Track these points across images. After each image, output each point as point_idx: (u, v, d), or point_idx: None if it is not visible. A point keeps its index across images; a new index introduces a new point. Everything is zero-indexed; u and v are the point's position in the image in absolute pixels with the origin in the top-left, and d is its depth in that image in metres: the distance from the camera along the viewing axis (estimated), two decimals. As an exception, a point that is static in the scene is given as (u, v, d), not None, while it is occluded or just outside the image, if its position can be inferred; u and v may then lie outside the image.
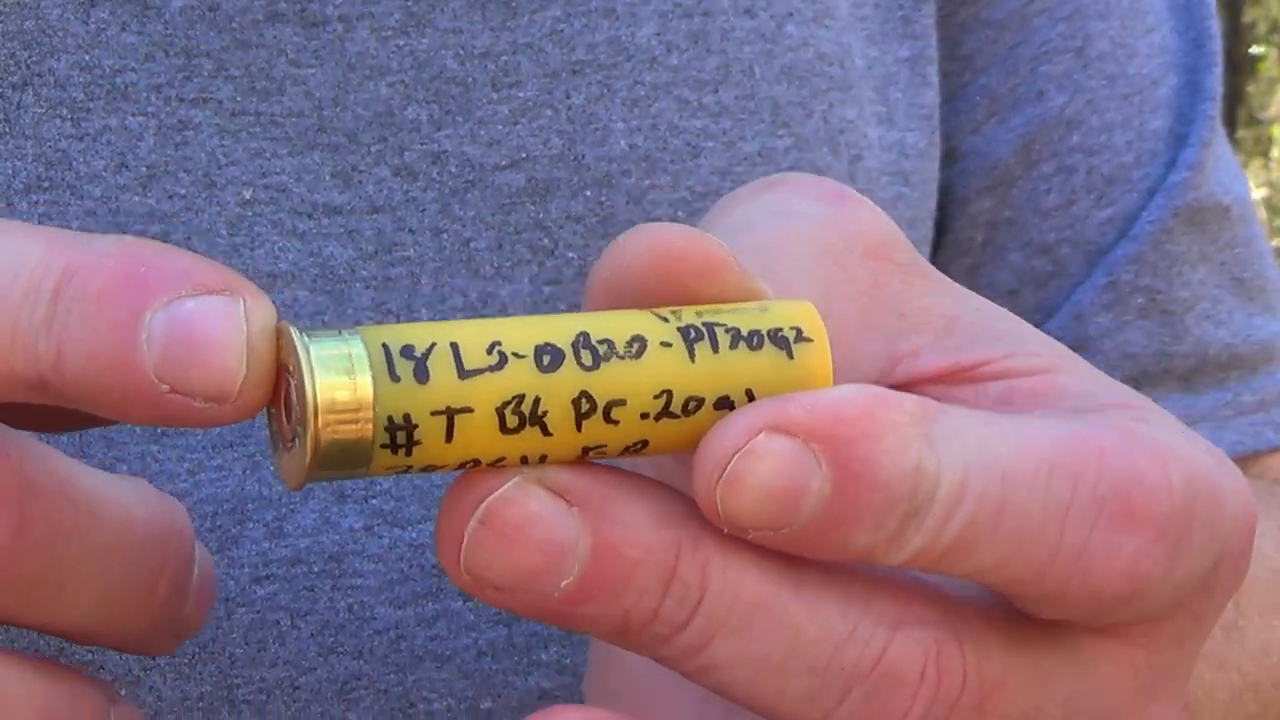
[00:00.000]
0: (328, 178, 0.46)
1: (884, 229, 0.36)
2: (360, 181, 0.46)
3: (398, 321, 0.46)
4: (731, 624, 0.31)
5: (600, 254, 0.48)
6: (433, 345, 0.30)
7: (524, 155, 0.48)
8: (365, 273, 0.46)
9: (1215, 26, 0.62)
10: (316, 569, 0.45)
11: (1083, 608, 0.32)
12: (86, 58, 0.44)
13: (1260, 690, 0.52)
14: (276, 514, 0.45)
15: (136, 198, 0.45)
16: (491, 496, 0.31)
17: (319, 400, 0.29)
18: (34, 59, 0.44)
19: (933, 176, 0.56)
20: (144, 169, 0.45)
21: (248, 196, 0.45)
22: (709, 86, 0.50)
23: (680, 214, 0.49)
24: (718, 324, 0.31)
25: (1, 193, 0.44)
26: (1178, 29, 0.60)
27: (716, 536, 0.31)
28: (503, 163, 0.48)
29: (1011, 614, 0.33)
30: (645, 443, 0.31)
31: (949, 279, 0.37)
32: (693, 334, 0.31)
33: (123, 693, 0.43)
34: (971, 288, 0.60)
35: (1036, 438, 0.32)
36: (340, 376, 0.30)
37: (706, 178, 0.50)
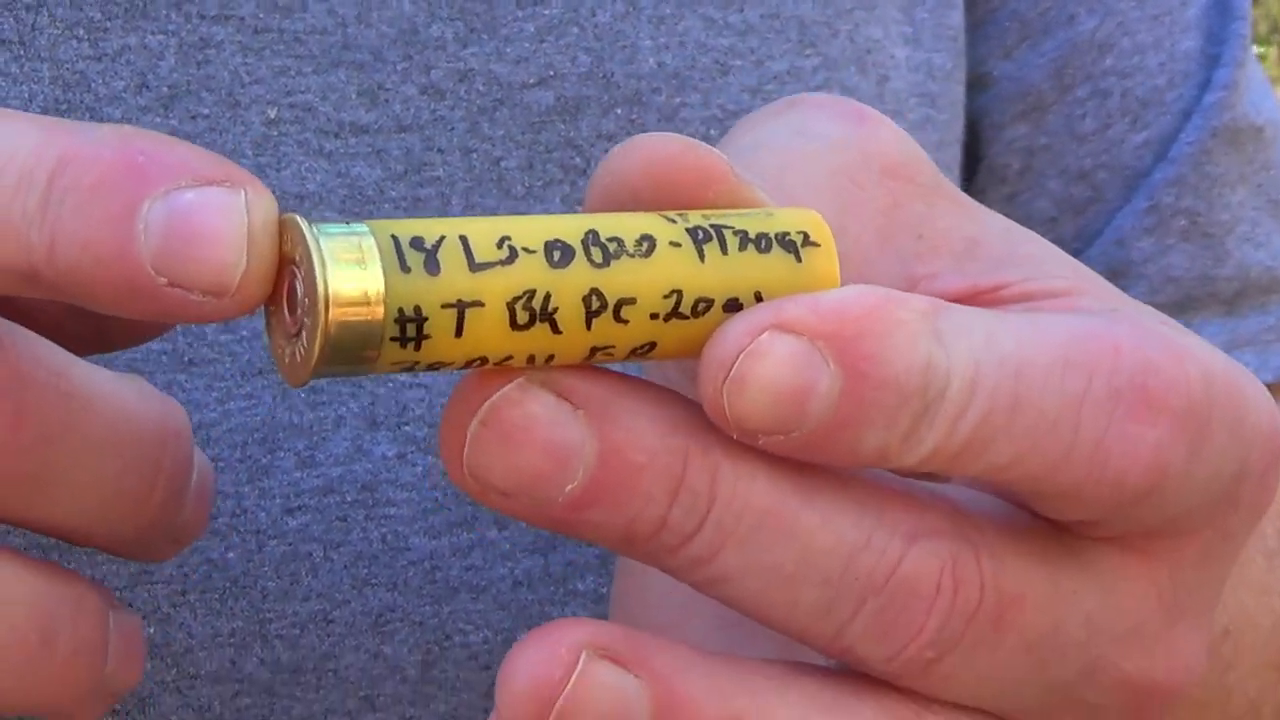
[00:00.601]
0: (354, 96, 0.45)
1: (904, 149, 0.35)
2: (387, 100, 0.45)
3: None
4: (741, 533, 0.30)
5: None
6: (442, 238, 0.29)
7: (552, 73, 0.47)
8: (394, 193, 0.45)
9: None
10: (349, 499, 0.44)
11: (1102, 504, 0.31)
12: None
13: None
14: (308, 443, 0.44)
15: (158, 119, 0.43)
16: (494, 396, 0.30)
17: (330, 290, 0.28)
18: None
19: (959, 99, 0.56)
20: (165, 89, 0.44)
21: (272, 116, 0.44)
22: (734, 5, 0.49)
23: (713, 132, 0.48)
24: (725, 226, 0.31)
25: None
26: None
27: (726, 444, 0.30)
28: (531, 81, 0.46)
29: (1032, 528, 0.33)
30: (653, 344, 0.31)
31: (972, 200, 0.36)
32: (701, 235, 0.31)
33: (151, 630, 0.42)
34: (1009, 216, 0.59)
35: (1050, 332, 0.31)
36: (351, 267, 0.29)
37: (737, 95, 0.49)
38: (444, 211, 0.45)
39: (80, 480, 0.32)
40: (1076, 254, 0.57)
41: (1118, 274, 0.57)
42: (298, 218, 0.29)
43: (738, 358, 0.30)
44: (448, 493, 0.45)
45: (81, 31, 0.43)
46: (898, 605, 0.31)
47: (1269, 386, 0.57)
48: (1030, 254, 0.35)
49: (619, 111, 0.47)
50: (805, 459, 0.30)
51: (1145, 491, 0.31)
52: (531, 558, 0.45)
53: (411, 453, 0.44)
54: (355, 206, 0.45)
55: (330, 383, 0.44)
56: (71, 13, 0.43)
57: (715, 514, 0.30)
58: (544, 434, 0.30)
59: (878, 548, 0.31)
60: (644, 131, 0.47)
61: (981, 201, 0.59)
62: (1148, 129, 0.57)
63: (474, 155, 0.46)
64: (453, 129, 0.46)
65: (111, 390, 0.33)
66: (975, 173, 0.58)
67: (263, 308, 0.30)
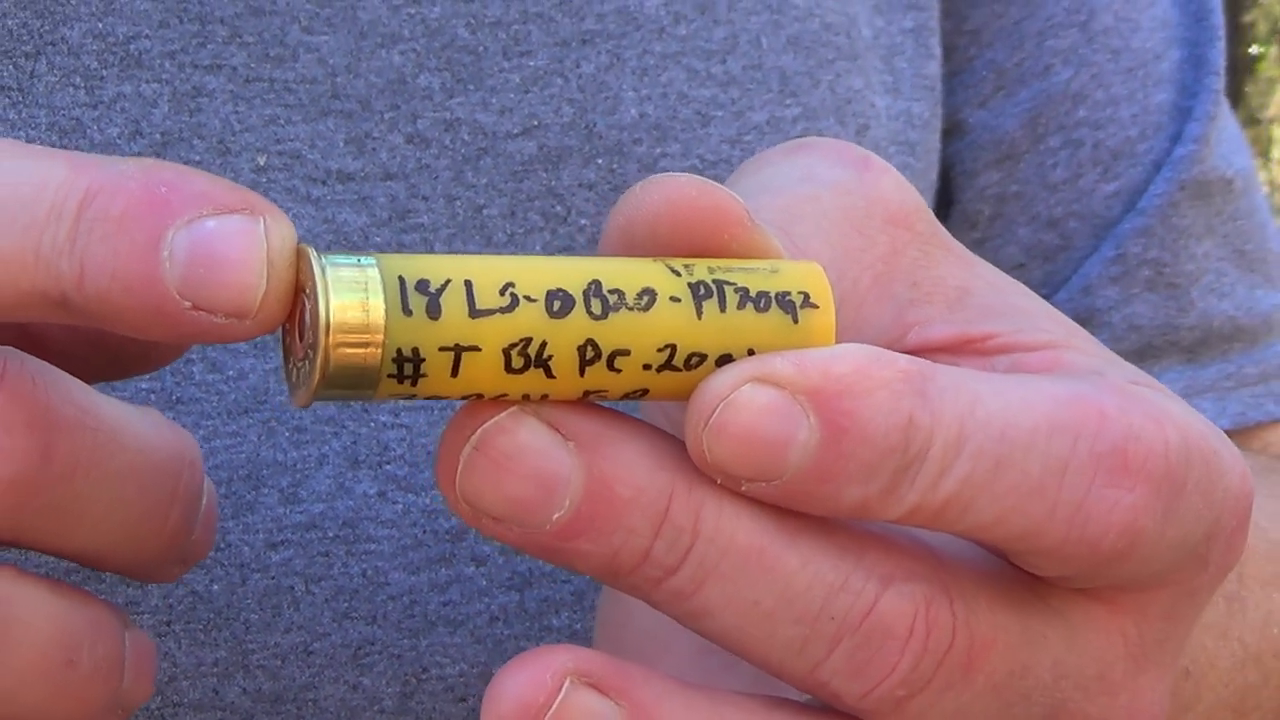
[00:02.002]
0: (341, 144, 0.46)
1: (906, 197, 0.36)
2: (374, 148, 0.47)
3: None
4: (723, 570, 0.32)
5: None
6: (447, 282, 0.30)
7: (536, 123, 0.48)
8: (379, 239, 0.46)
9: (1217, 1, 0.62)
10: (331, 534, 0.45)
11: (1079, 563, 0.33)
12: (100, 25, 0.45)
13: (1262, 660, 0.52)
14: (291, 480, 0.45)
15: None
16: (487, 424, 0.31)
17: (332, 321, 0.30)
18: (47, 27, 0.44)
19: (935, 147, 0.57)
20: (158, 136, 0.45)
21: (262, 163, 0.46)
22: (717, 56, 0.50)
23: None
24: (728, 282, 0.32)
25: None
26: (1178, 2, 0.61)
27: (711, 484, 0.32)
28: (515, 130, 0.48)
29: (1003, 574, 0.34)
30: (645, 390, 0.32)
31: (966, 250, 0.37)
32: (702, 291, 0.32)
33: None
34: None
35: (1036, 395, 0.32)
36: (354, 301, 0.30)
37: (717, 146, 0.50)
38: None
39: (104, 509, 0.33)
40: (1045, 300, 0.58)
41: (1083, 321, 0.58)
42: (309, 248, 0.31)
43: (718, 406, 0.31)
44: (427, 530, 0.46)
45: (78, 79, 0.44)
46: (872, 645, 0.32)
47: (1226, 432, 0.58)
48: (1020, 306, 0.36)
49: (600, 161, 0.48)
50: (788, 507, 0.32)
51: (1120, 553, 0.32)
52: (508, 594, 0.46)
53: (392, 490, 0.46)
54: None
55: (314, 422, 0.45)
56: (69, 61, 0.44)
57: (698, 550, 0.32)
58: (534, 462, 0.31)
59: (855, 589, 0.32)
60: (624, 182, 0.48)
61: None
62: (1118, 179, 0.59)
63: (458, 203, 0.47)
64: (437, 177, 0.47)
65: (131, 422, 0.34)
66: (946, 218, 0.59)
67: (280, 329, 0.31)
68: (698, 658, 0.38)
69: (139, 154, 0.45)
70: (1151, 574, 0.34)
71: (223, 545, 0.44)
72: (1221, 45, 0.61)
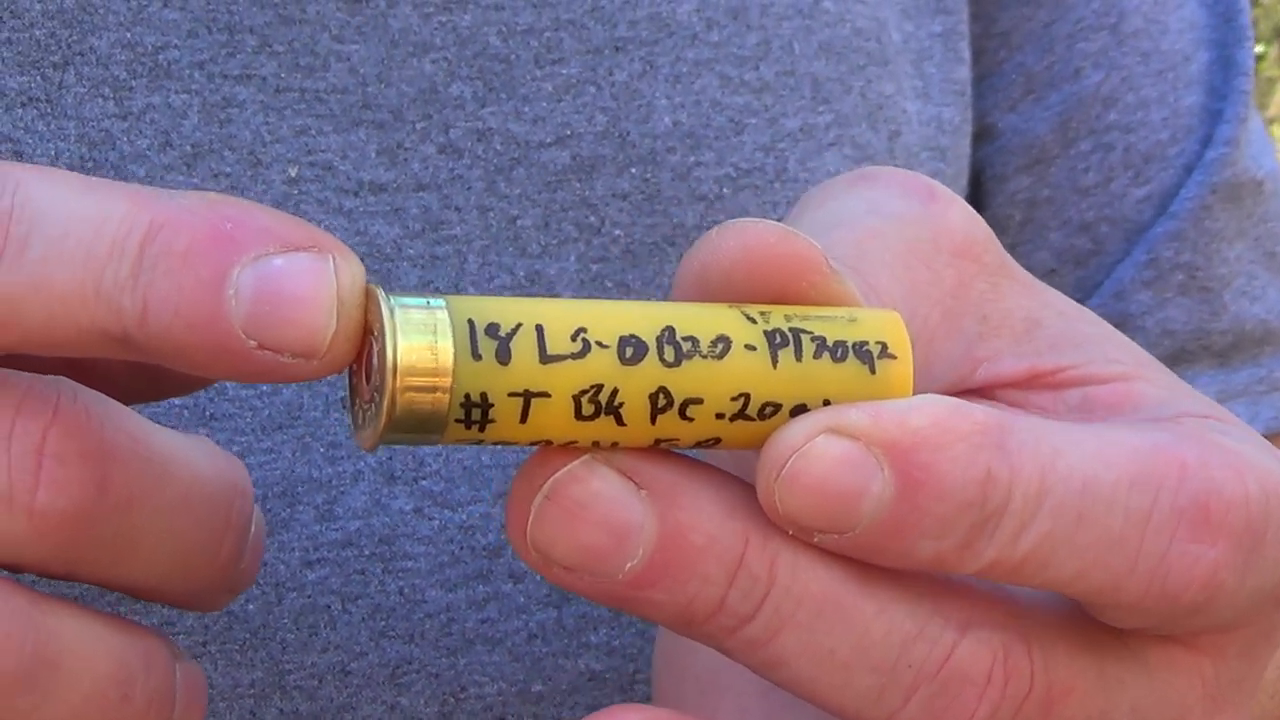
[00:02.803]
0: (373, 155, 0.46)
1: (972, 228, 0.36)
2: (405, 159, 0.46)
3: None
4: (799, 619, 0.31)
5: (646, 230, 0.48)
6: (518, 325, 0.30)
7: (569, 132, 0.47)
8: (412, 251, 0.46)
9: (1244, 2, 0.61)
10: (367, 552, 0.44)
11: (1158, 616, 0.32)
12: (129, 35, 0.44)
13: None
14: (326, 496, 0.44)
15: (181, 177, 0.44)
16: (559, 473, 0.31)
17: (400, 365, 0.29)
18: (75, 37, 0.44)
19: (965, 153, 0.56)
20: (189, 147, 0.44)
21: (293, 174, 0.45)
22: (749, 63, 0.50)
23: (725, 190, 0.49)
24: (804, 330, 0.31)
25: None
26: (1206, 4, 0.60)
27: (786, 533, 0.31)
28: (548, 140, 0.47)
29: (1080, 620, 0.33)
30: (718, 440, 0.31)
31: (1035, 279, 0.36)
32: (778, 339, 0.31)
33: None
34: None
35: (1116, 448, 0.32)
36: (423, 345, 0.29)
37: (751, 154, 0.49)
38: (461, 269, 0.46)
39: (157, 541, 0.33)
40: None
41: (1117, 326, 0.57)
42: (378, 290, 0.30)
43: (791, 457, 0.30)
44: (463, 546, 0.45)
45: (107, 90, 0.44)
46: (950, 693, 0.32)
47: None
48: (1090, 335, 0.36)
49: (634, 170, 0.48)
50: (862, 559, 0.31)
51: (1199, 606, 0.32)
52: (545, 611, 0.46)
53: (428, 507, 0.45)
54: (373, 264, 0.45)
55: (348, 437, 0.45)
56: (98, 71, 0.44)
57: (773, 598, 0.31)
58: (607, 511, 0.31)
59: (931, 637, 0.31)
60: (658, 190, 0.48)
61: None
62: (1149, 183, 0.58)
63: (491, 214, 0.47)
64: (470, 188, 0.46)
65: (184, 451, 0.34)
66: None
67: (348, 368, 0.31)
68: (761, 699, 0.37)
69: (169, 165, 0.44)
70: (1230, 620, 0.33)
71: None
72: (1250, 46, 0.61)
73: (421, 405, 0.29)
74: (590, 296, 0.47)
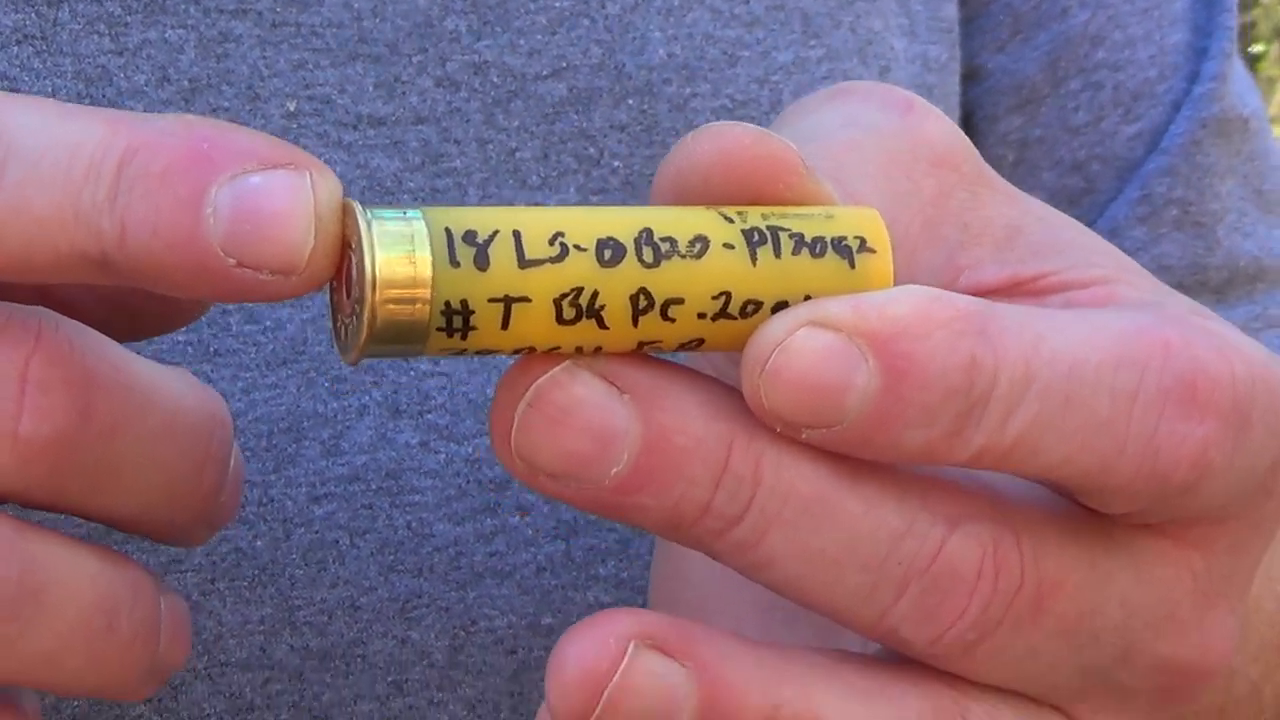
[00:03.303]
0: (371, 89, 0.45)
1: (950, 138, 0.36)
2: (403, 92, 0.46)
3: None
4: (786, 519, 0.31)
5: (645, 162, 0.48)
6: (495, 232, 0.30)
7: (564, 65, 0.47)
8: (412, 184, 0.46)
9: None
10: (374, 486, 0.44)
11: (1148, 498, 0.32)
12: None
13: None
14: (332, 431, 0.44)
15: (179, 112, 0.44)
16: (540, 379, 0.30)
17: (379, 277, 0.29)
18: None
19: (954, 91, 0.56)
20: (186, 82, 0.44)
21: (291, 109, 0.45)
22: None
23: (723, 120, 0.49)
24: (782, 228, 0.31)
25: None
26: None
27: (771, 432, 0.31)
28: (544, 72, 0.47)
29: (1070, 514, 0.33)
30: (701, 340, 0.31)
31: (1014, 187, 0.36)
32: (756, 237, 0.31)
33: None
34: None
35: (1100, 331, 0.32)
36: (401, 256, 0.29)
37: (745, 86, 0.49)
38: (461, 201, 0.46)
39: (140, 470, 0.33)
40: None
41: None
42: (354, 203, 0.30)
43: (773, 351, 0.30)
44: (470, 480, 0.45)
45: (103, 26, 0.43)
46: (941, 589, 0.31)
47: None
48: (1071, 241, 0.35)
49: (630, 102, 0.48)
50: (850, 454, 0.31)
51: (1189, 486, 0.32)
52: (554, 543, 0.46)
53: (434, 440, 0.45)
54: (374, 197, 0.45)
55: (353, 372, 0.44)
56: (93, 8, 0.43)
57: (759, 499, 0.31)
58: (590, 417, 0.30)
59: (920, 533, 0.31)
60: (655, 122, 0.48)
61: None
62: (1140, 120, 0.58)
63: (490, 146, 0.46)
64: (468, 120, 0.46)
65: (164, 382, 0.33)
66: None
67: (328, 286, 0.31)
68: (758, 613, 0.37)
69: (167, 101, 0.44)
70: (1219, 506, 0.33)
71: (265, 500, 0.43)
72: None
73: (402, 315, 0.29)
74: None
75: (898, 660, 0.33)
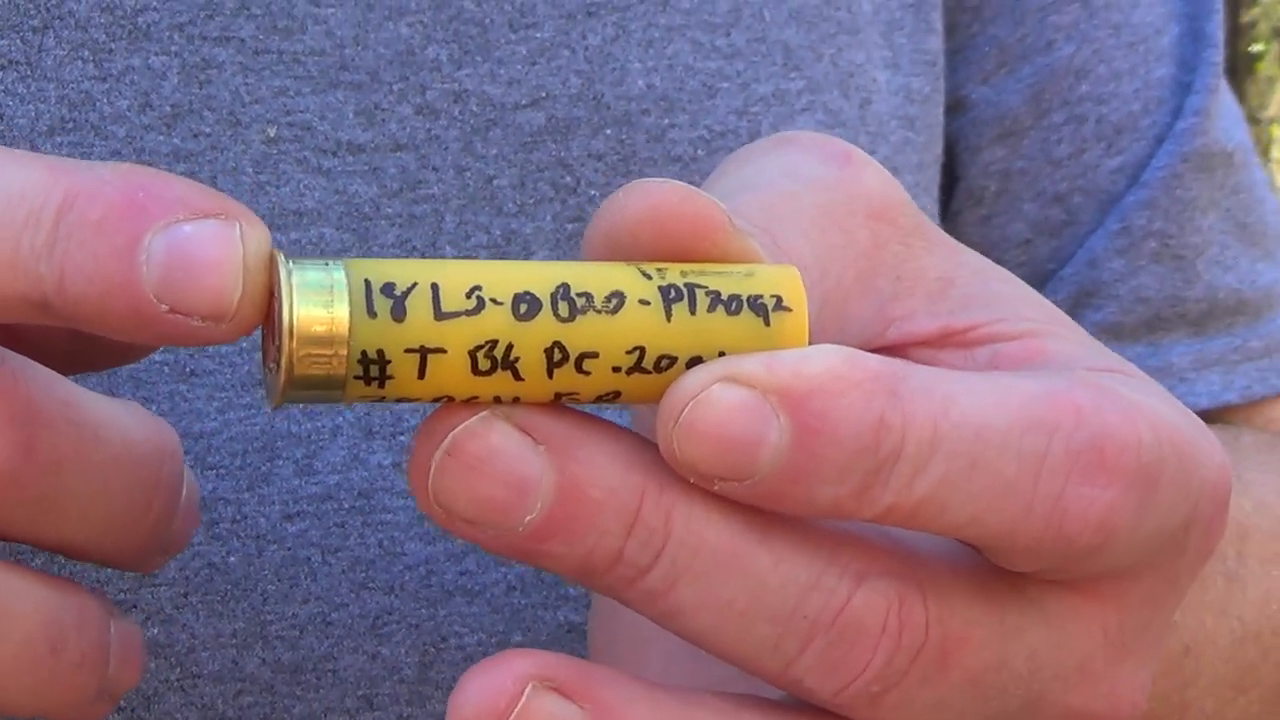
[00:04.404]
0: (351, 116, 0.46)
1: (888, 191, 0.36)
2: (383, 120, 0.47)
3: (421, 258, 0.47)
4: (695, 570, 0.32)
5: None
6: (413, 285, 0.31)
7: (544, 94, 0.48)
8: (390, 210, 0.46)
9: None
10: (346, 505, 0.45)
11: (1055, 558, 0.33)
12: None
13: (1261, 638, 0.52)
14: (306, 451, 0.45)
15: (161, 137, 0.45)
16: (458, 429, 0.31)
17: (297, 327, 0.30)
18: (54, 1, 0.44)
19: (937, 122, 0.57)
20: (168, 108, 0.45)
21: (272, 135, 0.46)
22: (721, 29, 0.51)
23: (700, 152, 0.50)
24: (699, 285, 0.32)
25: (26, 135, 0.44)
26: None
27: (683, 484, 0.32)
28: (523, 102, 0.48)
29: (977, 568, 0.34)
30: (617, 393, 0.32)
31: (950, 239, 0.37)
32: (673, 294, 0.32)
33: (154, 631, 0.44)
34: (985, 238, 0.60)
35: (1010, 394, 0.32)
36: (318, 308, 0.30)
37: (724, 117, 0.50)
38: (438, 228, 0.47)
39: (85, 502, 0.34)
40: (1051, 275, 0.59)
41: (1090, 294, 0.58)
42: (278, 253, 0.31)
43: (688, 404, 0.31)
44: None
45: (87, 53, 0.44)
46: (846, 642, 0.32)
47: (1234, 407, 0.59)
48: (1002, 294, 0.36)
49: (609, 132, 0.49)
50: (761, 507, 0.32)
51: (1095, 548, 0.33)
52: (524, 563, 0.46)
53: (406, 461, 0.46)
54: (352, 223, 0.46)
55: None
56: (77, 34, 0.44)
57: (670, 550, 0.32)
58: (505, 466, 0.31)
59: (827, 587, 0.32)
60: (633, 152, 0.48)
61: (957, 223, 0.60)
62: (1122, 154, 0.59)
63: (467, 174, 0.47)
64: (447, 148, 0.47)
65: (113, 415, 0.34)
66: (952, 194, 0.59)
67: (260, 329, 0.32)
68: (686, 649, 0.38)
69: (149, 126, 0.45)
70: (1128, 564, 0.34)
71: (239, 517, 0.44)
72: (1219, 19, 0.61)
73: (319, 365, 0.30)
74: (567, 257, 0.48)
75: (804, 707, 0.34)
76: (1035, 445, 0.32)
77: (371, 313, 0.30)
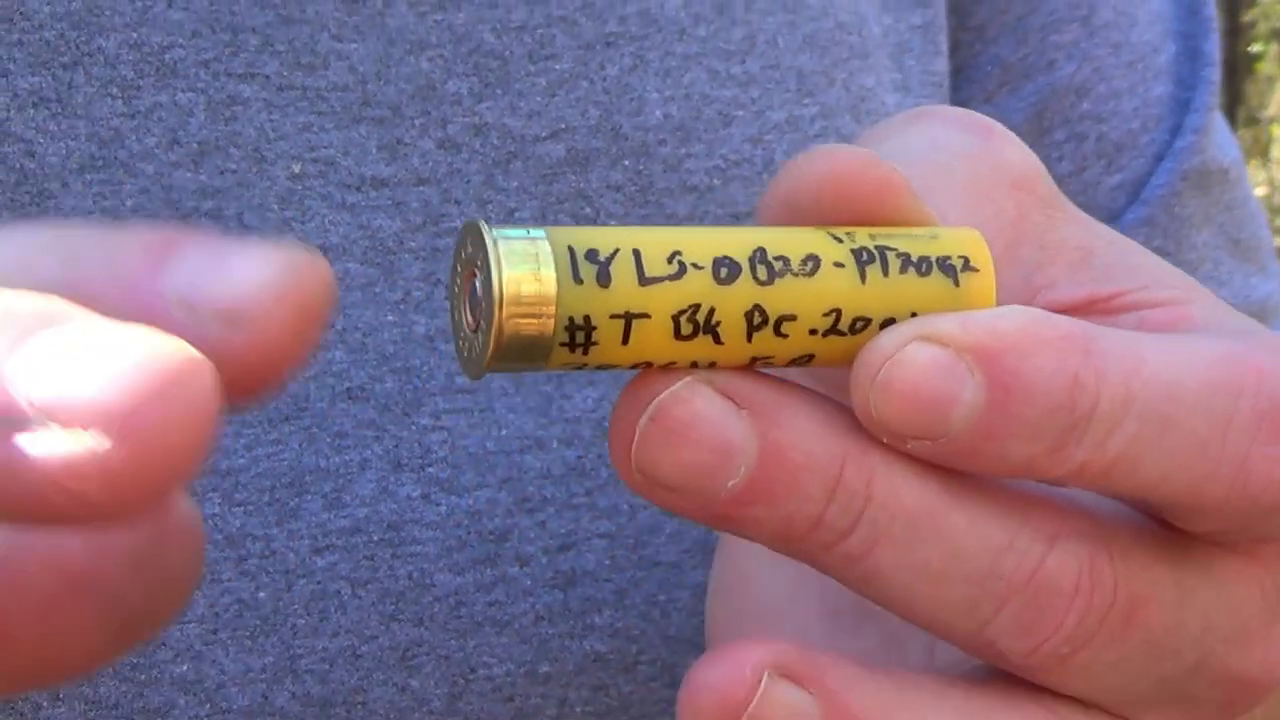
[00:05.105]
0: (374, 150, 0.47)
1: (1028, 163, 0.37)
2: (406, 154, 0.47)
3: (446, 290, 0.47)
4: (894, 533, 0.32)
5: (640, 221, 0.49)
6: (616, 251, 0.31)
7: (563, 126, 0.48)
8: (414, 244, 0.47)
9: None
10: (375, 538, 0.45)
11: (1236, 518, 0.33)
12: (135, 35, 0.45)
13: None
14: (334, 485, 0.45)
15: (189, 174, 0.45)
16: (662, 394, 0.31)
17: (505, 293, 0.30)
18: (83, 38, 0.45)
19: None
20: (195, 145, 0.45)
21: (296, 170, 0.46)
22: (736, 57, 0.51)
23: (715, 181, 0.50)
24: (889, 248, 0.32)
25: (56, 172, 0.44)
26: None
27: (881, 448, 0.32)
28: (543, 134, 0.48)
29: (1156, 531, 0.34)
30: (811, 356, 0.32)
31: (1085, 213, 0.38)
32: (865, 256, 0.32)
33: (184, 667, 0.44)
34: None
35: (1196, 355, 0.33)
36: (527, 273, 0.30)
37: (739, 146, 0.51)
38: None
39: None
40: None
41: None
42: (481, 222, 0.31)
43: (884, 364, 0.31)
44: (470, 531, 0.46)
45: (115, 90, 0.45)
46: (1040, 603, 0.32)
47: None
48: (1141, 264, 0.37)
49: (626, 163, 0.49)
50: (954, 466, 0.32)
51: (1278, 507, 0.33)
52: (551, 593, 0.47)
53: (435, 493, 0.46)
54: (377, 257, 0.46)
55: (355, 426, 0.46)
56: (106, 71, 0.45)
57: (869, 513, 0.32)
58: (710, 431, 0.31)
59: (1021, 548, 0.32)
60: (650, 182, 0.49)
61: None
62: (1122, 171, 0.59)
63: (490, 206, 0.48)
64: (469, 181, 0.48)
65: None
66: None
67: (447, 302, 0.32)
68: (821, 622, 0.38)
69: (176, 163, 0.45)
70: None
71: (268, 552, 0.45)
72: (1216, 38, 0.62)
73: (528, 331, 0.30)
74: None
75: (992, 679, 0.34)
76: (1223, 405, 0.32)
77: (577, 279, 0.31)
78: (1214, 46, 0.61)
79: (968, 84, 0.59)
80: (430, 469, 0.46)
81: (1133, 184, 0.59)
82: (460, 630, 0.46)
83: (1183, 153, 0.59)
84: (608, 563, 0.47)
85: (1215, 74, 0.61)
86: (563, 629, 0.47)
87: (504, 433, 0.47)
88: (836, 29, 0.53)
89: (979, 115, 0.37)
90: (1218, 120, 0.61)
